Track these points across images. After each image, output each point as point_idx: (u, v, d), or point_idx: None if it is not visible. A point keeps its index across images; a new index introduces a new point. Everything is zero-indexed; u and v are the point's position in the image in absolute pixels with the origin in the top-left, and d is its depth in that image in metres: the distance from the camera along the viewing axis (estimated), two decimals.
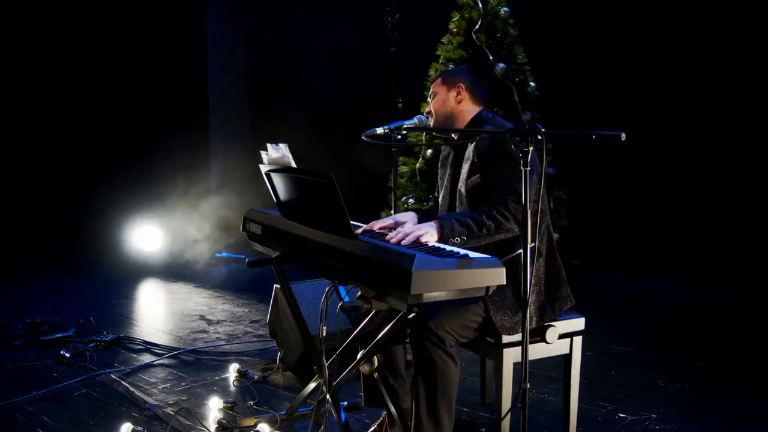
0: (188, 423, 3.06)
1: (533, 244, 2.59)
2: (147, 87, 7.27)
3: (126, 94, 7.26)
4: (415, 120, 2.95)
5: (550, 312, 2.62)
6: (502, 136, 2.52)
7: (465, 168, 2.66)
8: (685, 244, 6.00)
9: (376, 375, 2.72)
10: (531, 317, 2.58)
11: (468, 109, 2.79)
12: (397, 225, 2.63)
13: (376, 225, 2.64)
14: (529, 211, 2.09)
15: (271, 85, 7.80)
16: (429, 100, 2.88)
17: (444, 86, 2.82)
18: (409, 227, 2.40)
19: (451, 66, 5.24)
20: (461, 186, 2.66)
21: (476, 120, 2.77)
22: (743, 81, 5.70)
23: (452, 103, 2.78)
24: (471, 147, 2.67)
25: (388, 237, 2.35)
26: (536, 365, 3.39)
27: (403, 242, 2.31)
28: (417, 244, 2.33)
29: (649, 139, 5.93)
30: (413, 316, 2.42)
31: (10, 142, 7.01)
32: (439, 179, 2.94)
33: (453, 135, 2.85)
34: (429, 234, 2.39)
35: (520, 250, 2.11)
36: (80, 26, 7.13)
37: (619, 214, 6.32)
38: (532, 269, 2.16)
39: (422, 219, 2.65)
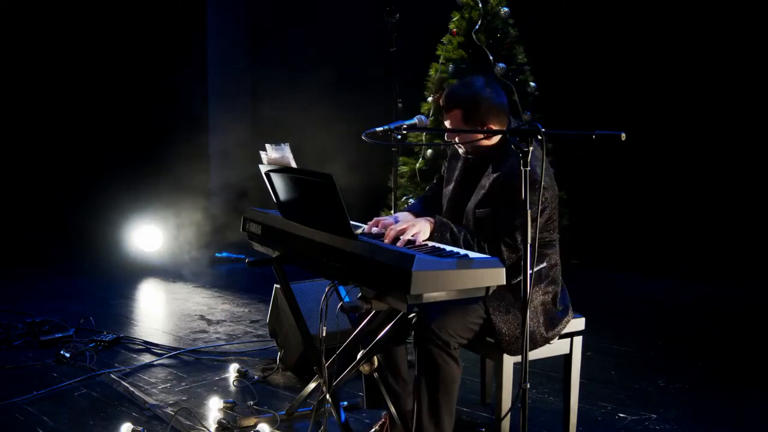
0: (188, 423, 3.06)
1: (543, 265, 2.61)
2: (147, 87, 7.27)
3: (126, 94, 7.26)
4: (415, 120, 2.95)
5: (553, 331, 2.63)
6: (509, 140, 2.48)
7: (478, 195, 2.61)
8: (686, 244, 6.01)
9: (376, 375, 2.72)
10: (538, 337, 2.59)
11: (491, 141, 2.65)
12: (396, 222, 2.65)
13: (380, 223, 2.63)
14: (529, 218, 2.09)
15: (271, 85, 7.80)
16: (442, 119, 2.70)
17: (468, 126, 2.61)
18: (401, 225, 2.41)
19: (451, 67, 5.23)
20: (470, 210, 2.62)
21: (503, 145, 2.63)
22: (742, 81, 5.70)
23: (482, 141, 2.64)
24: (490, 176, 2.58)
25: (384, 238, 2.36)
26: (536, 365, 3.39)
27: (398, 242, 2.32)
28: (415, 244, 2.34)
29: (649, 138, 5.93)
30: (417, 318, 2.42)
31: (10, 142, 7.01)
32: (446, 172, 2.87)
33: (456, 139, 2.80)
34: (422, 233, 2.41)
35: (529, 272, 2.11)
36: (79, 28, 7.13)
37: (619, 213, 6.33)
38: (532, 269, 2.15)
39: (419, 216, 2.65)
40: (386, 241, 2.33)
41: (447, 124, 2.67)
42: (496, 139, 2.64)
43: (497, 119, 2.60)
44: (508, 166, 2.52)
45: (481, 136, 2.61)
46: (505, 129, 2.62)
